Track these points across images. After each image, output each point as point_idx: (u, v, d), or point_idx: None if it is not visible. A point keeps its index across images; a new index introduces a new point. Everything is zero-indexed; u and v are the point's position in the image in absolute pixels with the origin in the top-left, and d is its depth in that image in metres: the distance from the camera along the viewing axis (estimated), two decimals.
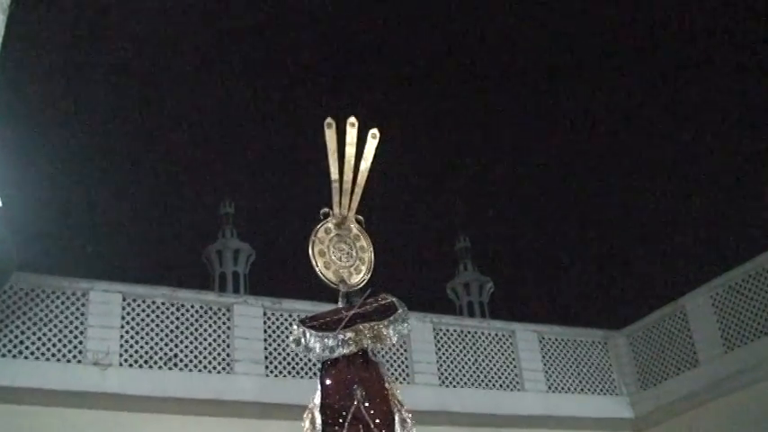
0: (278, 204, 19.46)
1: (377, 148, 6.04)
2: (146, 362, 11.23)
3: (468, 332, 13.61)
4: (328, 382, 5.36)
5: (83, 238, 17.20)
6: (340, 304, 5.75)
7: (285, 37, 21.66)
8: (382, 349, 5.51)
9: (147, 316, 11.51)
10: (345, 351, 5.37)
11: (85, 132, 18.43)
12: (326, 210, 5.98)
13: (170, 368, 11.31)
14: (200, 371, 11.49)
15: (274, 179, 20.75)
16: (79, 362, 10.86)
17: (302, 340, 5.46)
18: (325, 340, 5.40)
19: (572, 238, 22.02)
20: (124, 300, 11.41)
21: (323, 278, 5.83)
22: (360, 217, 6.09)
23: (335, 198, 5.96)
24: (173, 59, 20.29)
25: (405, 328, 5.61)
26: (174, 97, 20.42)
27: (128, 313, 11.39)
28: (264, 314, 12.18)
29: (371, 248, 6.04)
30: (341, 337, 5.38)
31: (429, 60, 22.46)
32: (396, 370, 12.58)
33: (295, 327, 5.57)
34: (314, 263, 5.83)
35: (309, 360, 9.51)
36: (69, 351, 10.86)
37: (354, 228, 6.06)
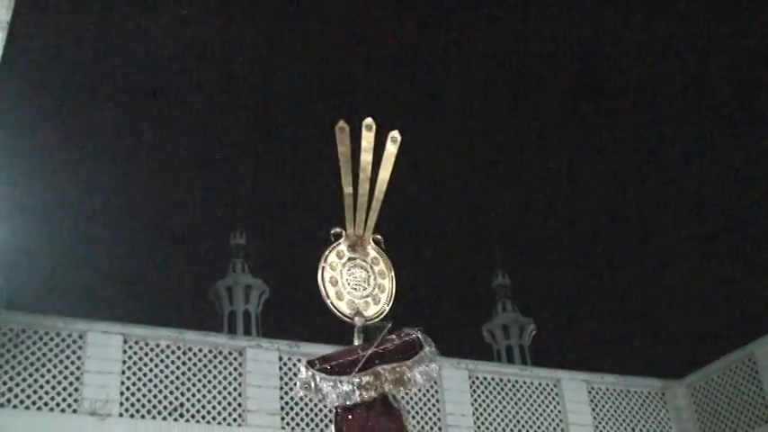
0: (295, 235, 19.60)
1: (398, 155, 5.68)
2: (148, 412, 11.17)
3: (508, 380, 13.45)
4: (345, 430, 5.20)
5: (80, 273, 17.08)
6: (356, 341, 5.51)
7: (298, 54, 22.04)
8: (407, 394, 5.28)
9: (151, 360, 11.49)
10: (364, 397, 5.19)
11: (80, 158, 18.76)
12: (338, 230, 5.66)
13: (175, 419, 11.25)
14: (208, 422, 11.40)
15: (291, 206, 20.91)
16: (75, 411, 10.80)
17: (312, 385, 5.26)
18: (340, 385, 5.21)
19: (625, 273, 22.01)
20: (125, 342, 11.41)
21: (335, 311, 5.57)
22: (378, 236, 5.77)
23: (349, 215, 5.64)
24: (179, 81, 20.76)
25: (432, 369, 5.35)
26: (180, 115, 20.92)
27: (129, 357, 11.36)
28: (280, 359, 12.06)
29: (392, 273, 5.72)
30: (357, 381, 5.19)
31: (474, 81, 22.84)
32: (426, 423, 12.40)
33: (303, 369, 5.33)
34: (323, 293, 5.56)
35: (325, 407, 9.44)
36: (64, 399, 10.82)
37: (372, 249, 5.74)
